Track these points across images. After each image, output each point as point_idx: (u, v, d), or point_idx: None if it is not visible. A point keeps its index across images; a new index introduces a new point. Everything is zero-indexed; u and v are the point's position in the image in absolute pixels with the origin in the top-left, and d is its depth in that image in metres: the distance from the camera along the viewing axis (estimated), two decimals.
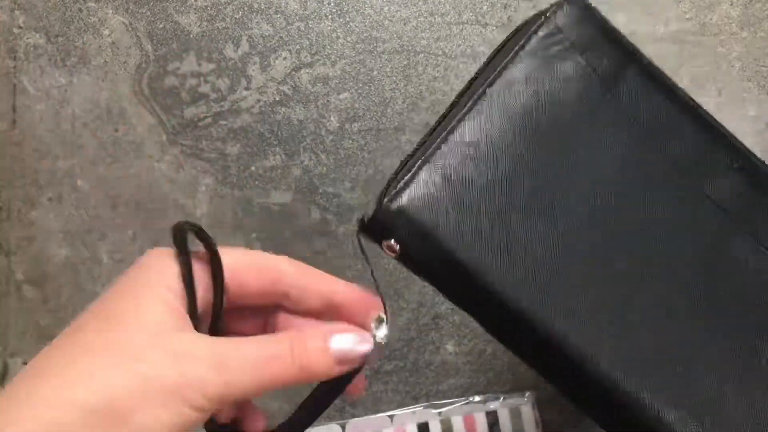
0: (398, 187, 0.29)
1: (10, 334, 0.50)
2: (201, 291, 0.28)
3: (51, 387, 0.24)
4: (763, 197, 0.33)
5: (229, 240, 0.50)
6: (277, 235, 0.50)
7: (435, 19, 0.52)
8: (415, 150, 0.31)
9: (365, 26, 0.52)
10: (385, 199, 0.29)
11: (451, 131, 0.31)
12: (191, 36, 0.52)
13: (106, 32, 0.51)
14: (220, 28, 0.52)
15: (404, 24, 0.52)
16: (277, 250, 0.51)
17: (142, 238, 0.51)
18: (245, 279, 0.29)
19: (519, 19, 0.51)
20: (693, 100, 0.34)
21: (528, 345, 0.31)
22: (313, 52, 0.52)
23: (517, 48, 0.32)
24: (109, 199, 0.51)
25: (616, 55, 0.33)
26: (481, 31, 0.51)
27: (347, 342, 0.28)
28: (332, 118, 0.51)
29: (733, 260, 0.32)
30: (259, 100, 0.51)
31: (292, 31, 0.52)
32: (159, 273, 0.27)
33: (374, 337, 0.29)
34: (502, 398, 0.47)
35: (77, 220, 0.51)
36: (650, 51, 0.51)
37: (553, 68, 0.32)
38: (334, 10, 0.52)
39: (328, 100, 0.51)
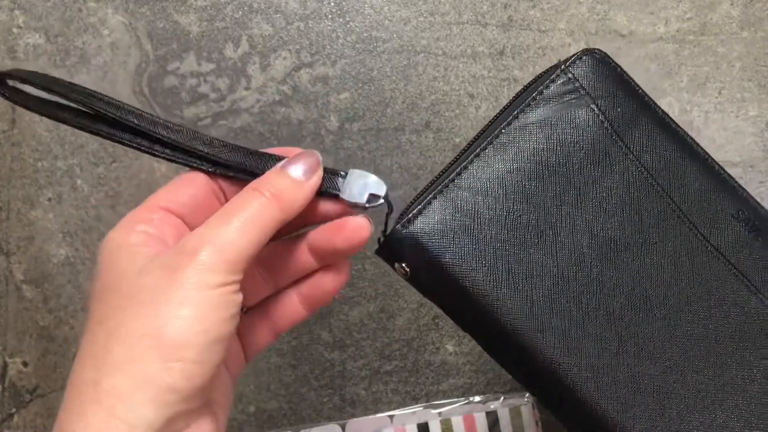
0: (410, 214, 0.32)
1: (9, 334, 0.50)
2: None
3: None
4: (765, 248, 0.35)
5: None
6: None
7: (435, 18, 0.52)
8: (432, 182, 0.34)
9: (365, 26, 0.52)
10: (398, 225, 0.32)
11: (465, 167, 0.33)
12: (191, 36, 0.51)
13: (106, 32, 0.51)
14: (220, 28, 0.52)
15: (404, 24, 0.52)
16: None
17: None
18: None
19: (519, 19, 0.51)
20: (703, 150, 0.36)
21: (524, 369, 0.34)
22: (313, 51, 0.52)
23: (535, 94, 0.34)
24: (109, 199, 0.51)
25: (630, 105, 0.35)
26: (481, 31, 0.51)
27: (300, 160, 0.30)
28: (332, 118, 0.51)
29: (729, 307, 0.34)
30: (258, 100, 0.51)
31: (292, 31, 0.52)
32: (123, 245, 0.29)
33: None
34: (502, 398, 0.47)
35: (77, 220, 0.51)
36: (650, 51, 0.51)
37: (567, 115, 0.34)
38: (334, 10, 0.52)
39: (328, 100, 0.51)
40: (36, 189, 0.51)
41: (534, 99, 0.34)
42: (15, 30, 0.51)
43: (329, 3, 0.52)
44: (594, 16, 0.51)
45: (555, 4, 0.51)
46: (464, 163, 0.33)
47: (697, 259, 0.34)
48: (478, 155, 0.33)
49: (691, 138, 0.36)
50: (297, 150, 0.32)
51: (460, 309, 0.33)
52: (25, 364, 0.50)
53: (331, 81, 0.51)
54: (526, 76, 0.51)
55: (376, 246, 0.33)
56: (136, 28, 0.51)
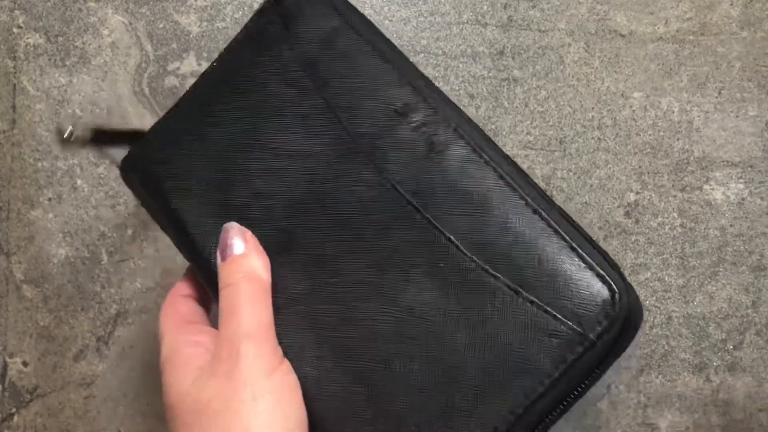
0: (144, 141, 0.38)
1: (9, 334, 0.50)
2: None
3: None
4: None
5: None
6: None
7: (435, 19, 0.52)
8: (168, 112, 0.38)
9: None
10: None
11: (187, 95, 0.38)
12: (191, 36, 0.52)
13: (106, 32, 0.52)
14: (220, 28, 0.52)
15: (404, 24, 0.52)
16: None
17: (142, 238, 0.51)
18: None
19: (519, 19, 0.51)
20: (404, 63, 0.37)
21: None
22: None
23: (252, 16, 0.37)
24: (109, 199, 0.51)
25: (328, 25, 0.36)
26: (481, 31, 0.52)
27: (229, 240, 0.34)
28: None
29: (349, 188, 0.34)
30: None
31: None
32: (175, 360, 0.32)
33: None
34: None
35: (77, 220, 0.51)
36: (650, 51, 0.51)
37: (263, 49, 0.36)
38: None
39: None
40: (36, 189, 0.51)
41: (247, 25, 0.37)
42: (15, 30, 0.51)
43: None
44: (594, 16, 0.51)
45: (555, 4, 0.51)
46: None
47: (336, 149, 0.34)
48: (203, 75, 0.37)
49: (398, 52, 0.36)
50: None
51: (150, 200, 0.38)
52: (25, 364, 0.50)
53: None
54: (526, 76, 0.51)
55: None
56: (136, 28, 0.51)
